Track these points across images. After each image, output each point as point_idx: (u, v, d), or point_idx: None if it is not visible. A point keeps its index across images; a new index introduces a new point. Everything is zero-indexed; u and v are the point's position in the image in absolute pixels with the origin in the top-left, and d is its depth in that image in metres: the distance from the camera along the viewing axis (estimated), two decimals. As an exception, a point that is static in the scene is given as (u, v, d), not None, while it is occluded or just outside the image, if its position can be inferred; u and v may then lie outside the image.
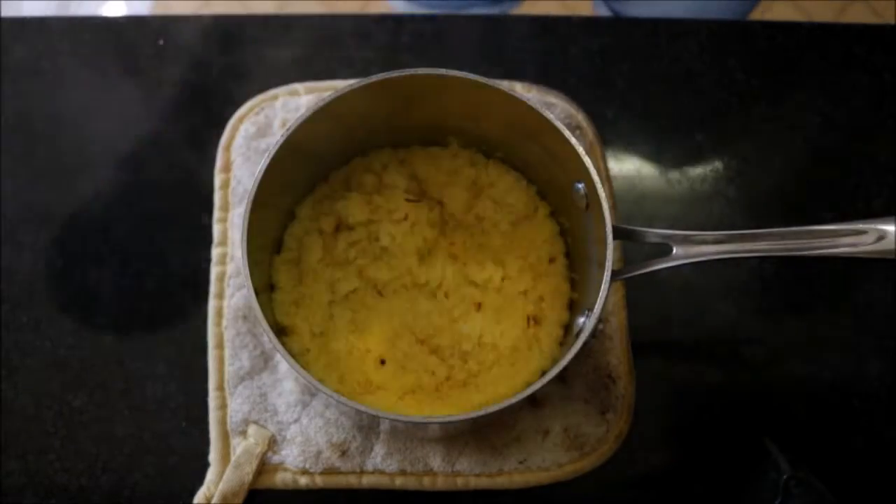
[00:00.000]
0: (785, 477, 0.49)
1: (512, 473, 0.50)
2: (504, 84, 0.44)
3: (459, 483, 0.50)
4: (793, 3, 1.40)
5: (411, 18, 0.62)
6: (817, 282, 0.56)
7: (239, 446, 0.50)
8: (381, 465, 0.50)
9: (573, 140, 0.43)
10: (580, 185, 0.46)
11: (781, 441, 0.53)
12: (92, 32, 0.61)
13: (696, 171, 0.59)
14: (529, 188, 0.53)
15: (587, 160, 0.43)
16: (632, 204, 0.58)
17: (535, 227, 0.52)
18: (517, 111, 0.45)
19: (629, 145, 0.59)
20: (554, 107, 0.57)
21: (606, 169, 0.57)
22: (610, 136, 0.59)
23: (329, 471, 0.50)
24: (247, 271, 0.42)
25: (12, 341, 0.54)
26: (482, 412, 0.40)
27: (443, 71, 0.44)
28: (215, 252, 0.55)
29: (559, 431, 0.50)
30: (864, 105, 0.60)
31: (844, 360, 0.54)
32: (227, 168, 0.57)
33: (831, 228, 0.40)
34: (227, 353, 0.52)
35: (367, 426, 0.50)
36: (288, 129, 0.44)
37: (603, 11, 0.89)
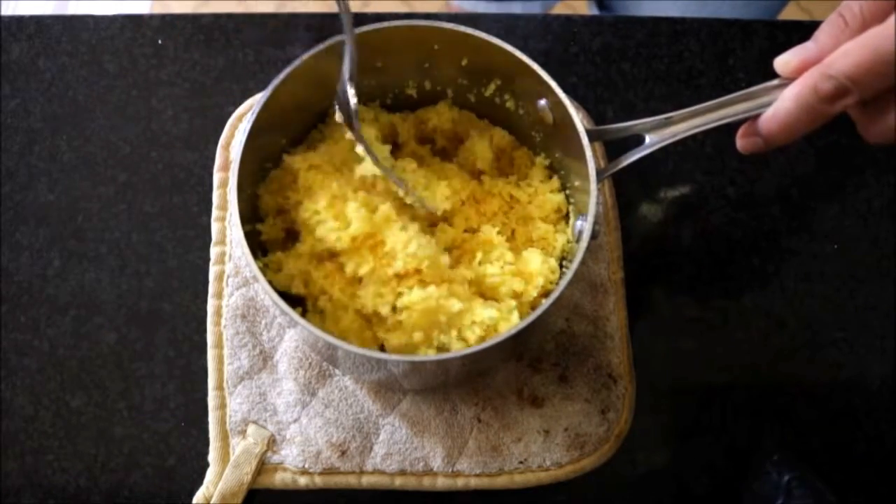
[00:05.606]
0: (787, 477, 0.49)
1: (512, 473, 0.50)
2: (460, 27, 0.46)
3: (459, 483, 0.50)
4: (795, 2, 1.40)
5: (408, 16, 0.62)
6: (818, 281, 0.56)
7: (238, 446, 0.50)
8: (380, 465, 0.50)
9: (527, 59, 0.45)
10: (543, 102, 0.47)
11: (782, 441, 0.53)
12: (90, 32, 0.61)
13: (697, 170, 0.59)
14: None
15: (545, 75, 0.45)
16: (630, 196, 0.58)
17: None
18: (471, 48, 0.47)
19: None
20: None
21: (607, 169, 0.57)
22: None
23: (329, 471, 0.50)
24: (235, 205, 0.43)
25: (11, 341, 0.54)
26: (527, 321, 0.40)
27: (396, 22, 0.46)
28: (214, 251, 0.55)
29: (560, 431, 0.50)
30: (865, 104, 0.60)
31: (845, 359, 0.54)
32: (225, 167, 0.57)
33: (783, 82, 0.40)
34: (226, 352, 0.52)
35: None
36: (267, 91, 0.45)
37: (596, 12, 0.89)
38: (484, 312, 0.45)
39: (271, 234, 0.49)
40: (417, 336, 0.45)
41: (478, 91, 0.51)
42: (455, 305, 0.44)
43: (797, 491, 0.49)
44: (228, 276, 0.54)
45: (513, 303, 0.46)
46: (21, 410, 0.52)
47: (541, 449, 0.50)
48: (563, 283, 0.41)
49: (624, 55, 0.61)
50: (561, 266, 0.49)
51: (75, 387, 0.53)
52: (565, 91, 0.45)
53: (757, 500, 0.50)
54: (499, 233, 0.49)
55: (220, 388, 0.52)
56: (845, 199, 0.58)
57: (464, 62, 0.49)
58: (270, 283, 0.42)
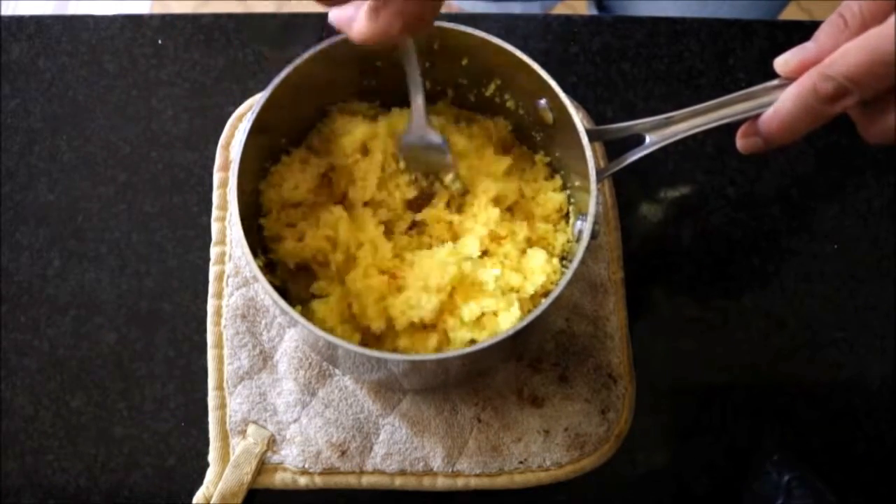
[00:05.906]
0: (787, 477, 0.49)
1: (512, 473, 0.50)
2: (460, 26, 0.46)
3: (459, 483, 0.50)
4: (795, 2, 1.40)
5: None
6: (818, 281, 0.56)
7: (238, 446, 0.50)
8: (380, 465, 0.50)
9: (527, 59, 0.45)
10: (543, 102, 0.47)
11: (782, 441, 0.53)
12: (90, 32, 0.61)
13: (697, 170, 0.59)
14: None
15: (545, 74, 0.45)
16: (630, 196, 0.58)
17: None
18: (471, 48, 0.47)
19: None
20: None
21: (607, 169, 0.57)
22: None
23: (329, 471, 0.50)
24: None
25: (11, 341, 0.54)
26: (527, 321, 0.40)
27: None
28: (214, 251, 0.55)
29: (560, 431, 0.50)
30: (865, 104, 0.60)
31: (845, 359, 0.54)
32: (225, 167, 0.57)
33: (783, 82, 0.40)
34: (226, 352, 0.52)
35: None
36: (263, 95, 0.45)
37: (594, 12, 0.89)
38: (483, 302, 0.46)
39: (274, 230, 0.49)
40: (418, 286, 0.46)
41: (478, 91, 0.51)
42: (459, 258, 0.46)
43: (797, 491, 0.49)
44: (228, 276, 0.54)
45: (514, 295, 0.46)
46: (21, 410, 0.52)
47: (541, 449, 0.50)
48: (563, 282, 0.41)
49: (624, 55, 0.61)
50: (561, 266, 0.49)
51: (75, 387, 0.53)
52: (565, 91, 0.45)
53: (757, 500, 0.50)
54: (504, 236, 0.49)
55: (220, 388, 0.52)
56: (845, 199, 0.58)
57: (464, 62, 0.49)
58: (271, 282, 0.42)
